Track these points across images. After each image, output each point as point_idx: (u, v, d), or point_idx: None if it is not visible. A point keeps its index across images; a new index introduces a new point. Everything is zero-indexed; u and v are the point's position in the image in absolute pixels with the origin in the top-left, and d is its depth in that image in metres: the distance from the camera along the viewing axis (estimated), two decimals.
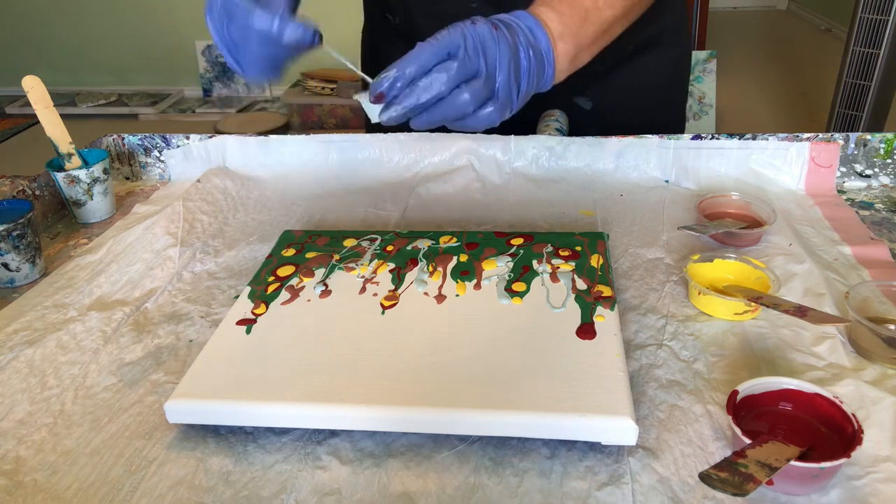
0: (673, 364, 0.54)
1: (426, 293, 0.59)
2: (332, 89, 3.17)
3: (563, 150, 0.85)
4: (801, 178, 0.81)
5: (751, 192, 0.78)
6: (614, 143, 0.84)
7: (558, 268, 0.61)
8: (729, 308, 0.58)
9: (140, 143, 0.93)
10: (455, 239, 0.67)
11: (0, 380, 0.56)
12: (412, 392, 0.48)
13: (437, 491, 0.44)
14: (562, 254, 0.63)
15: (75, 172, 0.79)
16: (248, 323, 0.57)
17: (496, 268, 0.62)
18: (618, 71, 0.87)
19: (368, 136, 0.89)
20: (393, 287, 0.60)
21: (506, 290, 0.59)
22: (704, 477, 0.40)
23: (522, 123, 0.86)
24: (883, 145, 0.81)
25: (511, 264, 0.62)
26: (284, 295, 0.60)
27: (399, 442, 0.48)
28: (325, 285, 0.61)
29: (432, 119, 0.51)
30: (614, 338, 0.52)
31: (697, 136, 0.83)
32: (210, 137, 0.91)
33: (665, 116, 0.93)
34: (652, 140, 0.83)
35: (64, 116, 0.81)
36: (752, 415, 0.47)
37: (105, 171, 0.82)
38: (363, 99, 0.54)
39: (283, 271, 0.64)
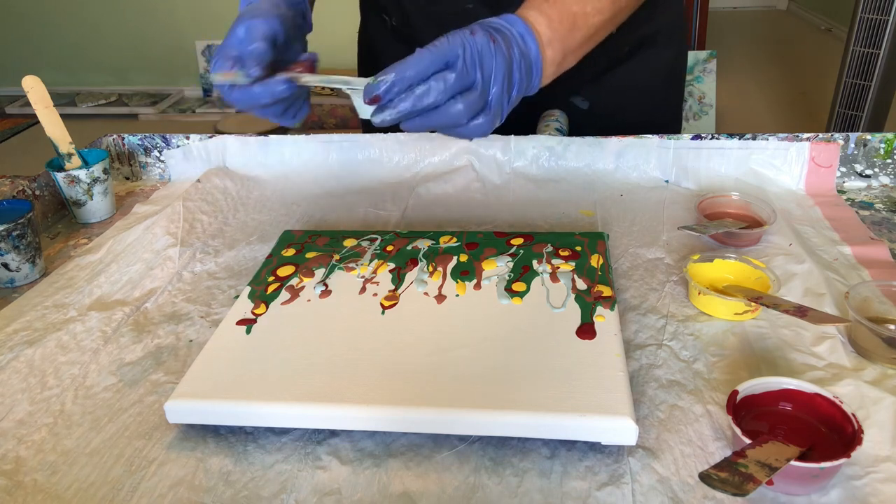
0: (673, 364, 0.54)
1: (426, 293, 0.59)
2: (332, 89, 3.17)
3: (563, 150, 0.85)
4: (801, 178, 0.81)
5: (751, 192, 0.78)
6: (614, 143, 0.84)
7: (558, 268, 0.61)
8: (729, 308, 0.58)
9: (140, 143, 0.93)
10: (455, 239, 0.67)
11: (0, 380, 0.56)
12: (412, 392, 0.48)
13: (437, 491, 0.44)
14: (562, 254, 0.63)
15: (75, 172, 0.79)
16: (248, 323, 0.57)
17: (496, 268, 0.62)
18: (614, 71, 0.87)
19: (368, 136, 0.89)
20: (393, 287, 0.60)
21: (506, 290, 0.59)
22: (704, 477, 0.40)
23: (522, 123, 0.86)
24: (883, 145, 0.81)
25: (511, 264, 0.62)
26: (284, 295, 0.60)
27: (399, 442, 0.48)
28: (325, 285, 0.61)
29: (425, 125, 0.52)
30: (614, 338, 0.52)
31: (697, 136, 0.83)
32: (210, 137, 0.91)
33: (662, 116, 0.94)
34: (652, 140, 0.83)
35: (64, 116, 0.81)
36: (752, 415, 0.47)
37: (105, 171, 0.82)
38: (355, 96, 0.54)
39: (283, 271, 0.64)
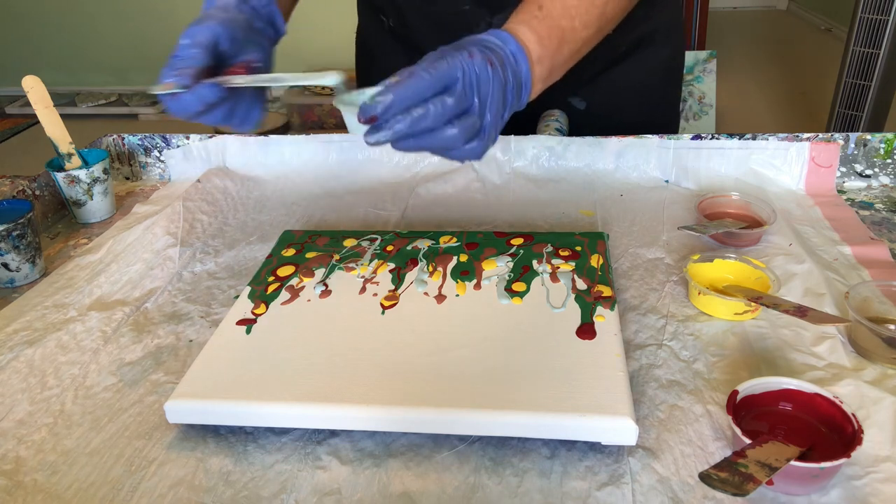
0: (673, 364, 0.54)
1: (426, 293, 0.59)
2: (332, 89, 3.17)
3: (563, 150, 0.85)
4: (801, 178, 0.81)
5: (751, 192, 0.78)
6: (614, 143, 0.84)
7: (558, 268, 0.61)
8: (729, 308, 0.58)
9: (140, 143, 0.93)
10: (455, 239, 0.67)
11: (0, 380, 0.56)
12: (412, 392, 0.48)
13: (437, 491, 0.44)
14: (562, 254, 0.63)
15: (75, 172, 0.79)
16: (248, 323, 0.57)
17: (496, 268, 0.62)
18: (611, 70, 0.87)
19: None
20: (393, 287, 0.60)
21: (506, 290, 0.59)
22: (704, 477, 0.40)
23: (522, 123, 0.86)
24: (883, 145, 0.81)
25: (511, 264, 0.62)
26: (284, 295, 0.60)
27: (399, 442, 0.48)
28: (325, 285, 0.61)
29: (418, 146, 0.51)
30: (614, 338, 0.52)
31: (697, 136, 0.83)
32: (210, 137, 0.91)
33: (660, 115, 0.94)
34: (652, 140, 0.83)
35: (64, 116, 0.81)
36: (752, 415, 0.47)
37: (105, 171, 0.82)
38: (348, 113, 0.52)
39: (283, 271, 0.64)
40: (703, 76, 2.58)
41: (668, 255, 0.69)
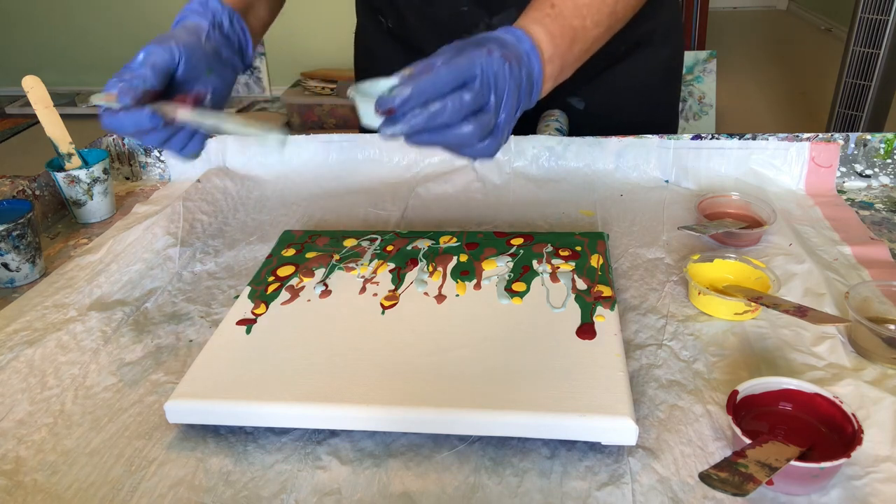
0: (673, 364, 0.54)
1: (426, 293, 0.59)
2: (331, 89, 3.17)
3: (563, 150, 0.85)
4: (801, 178, 0.81)
5: (751, 192, 0.78)
6: (614, 143, 0.84)
7: (558, 268, 0.61)
8: (729, 308, 0.58)
9: (140, 143, 0.93)
10: (455, 239, 0.67)
11: (0, 380, 0.56)
12: (412, 392, 0.48)
13: (437, 491, 0.44)
14: (562, 254, 0.63)
15: (75, 172, 0.79)
16: (248, 323, 0.57)
17: (496, 268, 0.62)
18: (610, 71, 0.87)
19: (368, 136, 0.89)
20: (393, 287, 0.60)
21: (506, 290, 0.59)
22: (704, 477, 0.40)
23: (522, 123, 0.86)
24: (883, 145, 0.81)
25: (511, 264, 0.62)
26: (284, 295, 0.60)
27: (399, 442, 0.48)
28: (325, 285, 0.61)
29: (433, 141, 0.50)
30: (614, 338, 0.52)
31: (697, 136, 0.83)
32: (210, 137, 0.91)
33: (659, 115, 0.94)
34: (652, 140, 0.83)
35: (64, 116, 0.81)
36: (752, 415, 0.47)
37: (105, 171, 0.82)
38: (362, 101, 0.51)
39: (283, 271, 0.64)
40: (703, 76, 2.58)
41: (668, 255, 0.69)
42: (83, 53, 3.72)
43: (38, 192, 0.82)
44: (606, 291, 0.58)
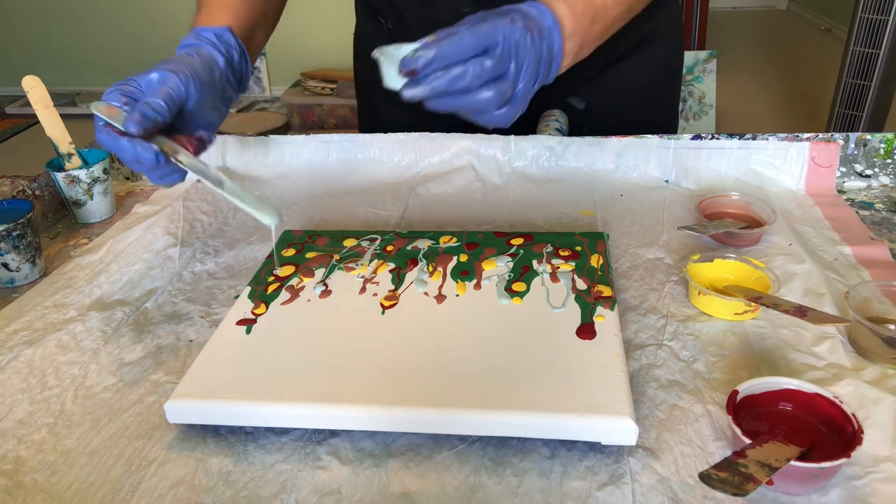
0: (673, 364, 0.54)
1: (426, 293, 0.59)
2: (332, 89, 3.17)
3: (563, 150, 0.85)
4: (801, 178, 0.81)
5: (751, 192, 0.78)
6: (614, 143, 0.84)
7: (558, 268, 0.61)
8: (729, 308, 0.58)
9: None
10: (455, 239, 0.67)
11: (0, 380, 0.56)
12: (412, 392, 0.48)
13: (437, 491, 0.44)
14: (562, 254, 0.63)
15: (75, 172, 0.79)
16: (248, 323, 0.57)
17: (496, 268, 0.62)
18: (610, 70, 0.87)
19: (368, 136, 0.89)
20: (393, 287, 0.60)
21: (506, 290, 0.59)
22: (704, 477, 0.40)
23: (522, 123, 0.85)
24: (883, 145, 0.81)
25: (511, 264, 0.62)
26: (284, 295, 0.60)
27: (399, 442, 0.48)
28: (325, 285, 0.61)
29: (453, 105, 0.51)
30: (614, 338, 0.52)
31: (697, 136, 0.83)
32: None
33: (659, 115, 0.94)
34: (652, 140, 0.83)
35: (64, 116, 0.81)
36: (752, 415, 0.47)
37: (105, 171, 0.82)
38: (387, 63, 0.52)
39: (284, 271, 0.63)
40: (703, 76, 2.58)
41: (668, 255, 0.69)
42: (83, 53, 3.71)
43: (38, 192, 0.82)
44: (606, 291, 0.58)
